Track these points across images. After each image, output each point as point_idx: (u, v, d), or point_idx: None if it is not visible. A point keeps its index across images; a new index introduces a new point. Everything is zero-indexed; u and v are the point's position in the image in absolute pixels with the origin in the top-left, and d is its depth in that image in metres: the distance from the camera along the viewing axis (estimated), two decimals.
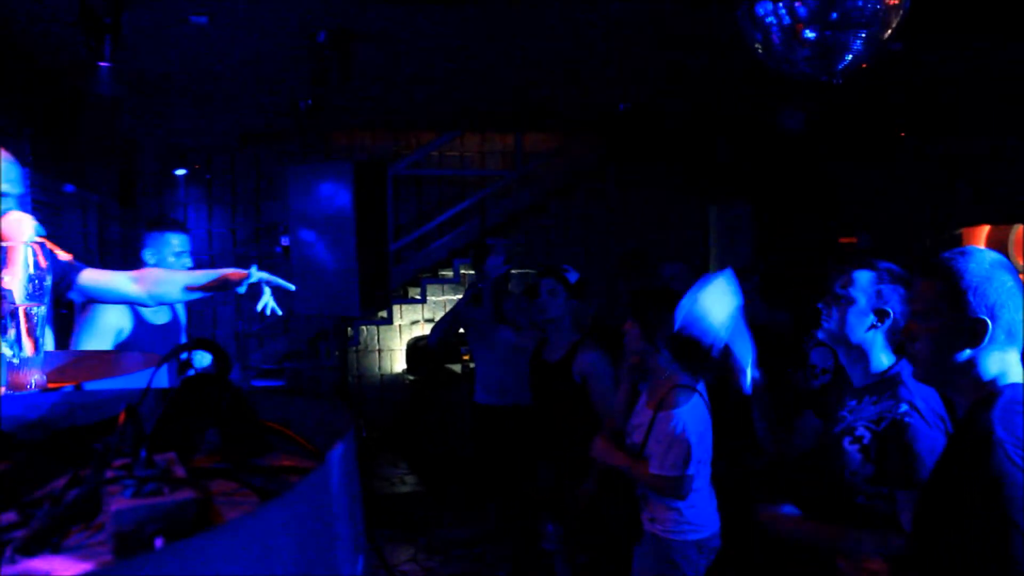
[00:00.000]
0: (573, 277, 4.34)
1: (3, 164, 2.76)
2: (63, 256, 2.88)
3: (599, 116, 8.22)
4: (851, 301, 2.64)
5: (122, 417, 0.79)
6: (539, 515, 4.63)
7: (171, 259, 3.96)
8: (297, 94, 6.73)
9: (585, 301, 4.44)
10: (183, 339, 4.11)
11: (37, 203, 5.43)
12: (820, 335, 2.71)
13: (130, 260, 8.50)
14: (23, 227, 2.69)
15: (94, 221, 7.52)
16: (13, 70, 5.03)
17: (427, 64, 6.18)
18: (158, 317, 3.94)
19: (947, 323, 1.90)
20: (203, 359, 3.64)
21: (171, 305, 4.05)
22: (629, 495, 3.54)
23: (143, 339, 3.88)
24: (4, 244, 2.69)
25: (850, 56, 3.22)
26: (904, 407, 2.43)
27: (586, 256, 9.56)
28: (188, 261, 4.04)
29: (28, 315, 1.39)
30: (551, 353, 4.37)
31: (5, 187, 2.74)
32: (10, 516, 0.78)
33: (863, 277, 2.65)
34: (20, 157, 5.16)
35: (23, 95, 5.37)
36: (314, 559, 0.67)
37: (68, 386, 1.24)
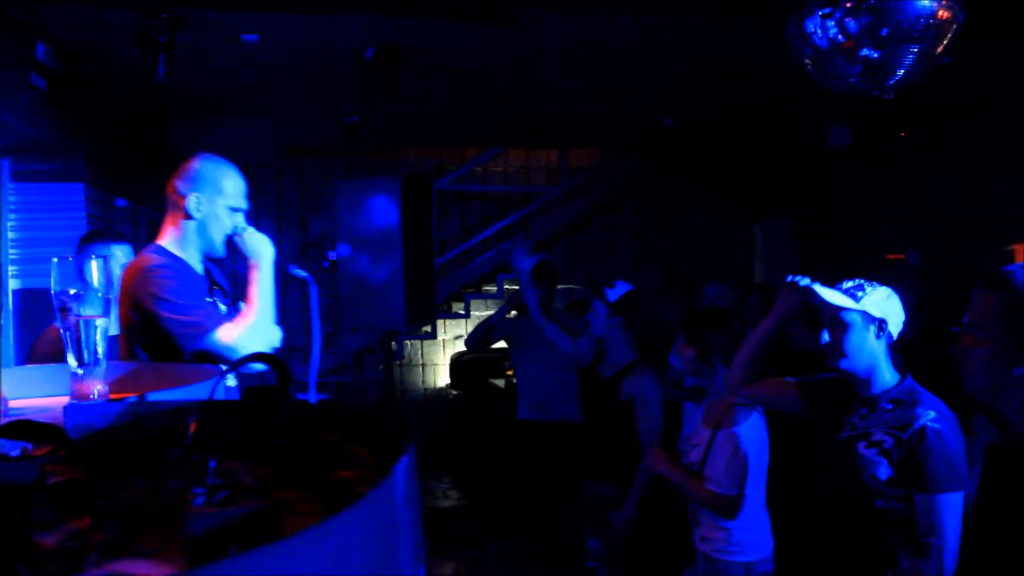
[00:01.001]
0: (615, 293, 4.29)
1: (237, 179, 2.73)
2: (301, 274, 2.92)
3: (643, 132, 8.21)
4: (847, 325, 2.69)
5: (192, 427, 0.82)
6: (582, 531, 4.61)
7: (117, 271, 3.72)
8: (344, 110, 6.81)
9: (634, 317, 4.38)
10: None
11: (92, 217, 5.55)
12: (839, 364, 2.74)
13: None
14: (267, 246, 2.74)
15: (144, 234, 7.66)
16: (72, 89, 5.16)
17: (473, 81, 6.23)
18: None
19: (1006, 336, 1.86)
20: None
21: None
22: (679, 516, 3.53)
23: None
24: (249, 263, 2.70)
25: (902, 71, 3.19)
26: (932, 414, 2.50)
27: (629, 272, 9.52)
28: None
29: (80, 326, 1.42)
30: (606, 369, 4.35)
31: (238, 202, 2.73)
32: (85, 522, 0.81)
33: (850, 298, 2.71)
34: (76, 172, 5.31)
35: (80, 113, 5.50)
36: (381, 569, 0.68)
37: (132, 396, 1.27)
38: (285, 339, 2.83)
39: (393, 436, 1.01)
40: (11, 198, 5.20)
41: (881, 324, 2.65)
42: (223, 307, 2.78)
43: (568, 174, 9.84)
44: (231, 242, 2.72)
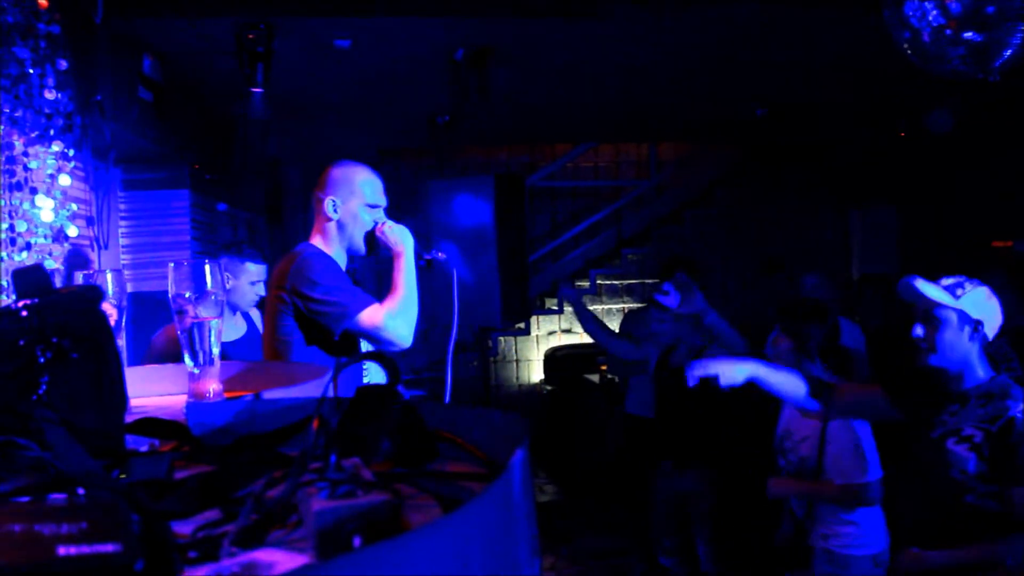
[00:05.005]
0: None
1: (371, 179, 2.99)
2: (440, 257, 3.16)
3: (735, 122, 8.08)
4: (941, 322, 2.63)
5: (316, 423, 0.85)
6: (658, 527, 4.62)
7: (246, 287, 4.01)
8: (435, 110, 6.88)
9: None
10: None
11: (196, 222, 5.75)
12: (929, 360, 2.68)
13: None
14: (406, 236, 2.92)
15: (244, 236, 7.88)
16: (175, 98, 5.34)
17: (564, 77, 6.22)
18: (229, 334, 3.98)
19: None
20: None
21: (248, 319, 4.17)
22: (783, 514, 3.49)
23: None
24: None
25: (1009, 51, 3.06)
26: (1022, 405, 2.48)
27: (723, 264, 9.40)
28: (261, 289, 4.03)
29: (195, 328, 1.47)
30: (679, 358, 4.35)
31: (374, 200, 2.97)
32: (215, 513, 0.85)
33: (945, 295, 2.64)
34: (181, 180, 5.50)
35: (183, 122, 5.70)
36: (500, 562, 0.70)
37: (248, 395, 1.32)
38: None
39: (504, 430, 1.03)
40: (122, 206, 5.44)
41: (977, 325, 2.60)
42: None
43: (658, 168, 9.76)
44: (373, 237, 2.93)
